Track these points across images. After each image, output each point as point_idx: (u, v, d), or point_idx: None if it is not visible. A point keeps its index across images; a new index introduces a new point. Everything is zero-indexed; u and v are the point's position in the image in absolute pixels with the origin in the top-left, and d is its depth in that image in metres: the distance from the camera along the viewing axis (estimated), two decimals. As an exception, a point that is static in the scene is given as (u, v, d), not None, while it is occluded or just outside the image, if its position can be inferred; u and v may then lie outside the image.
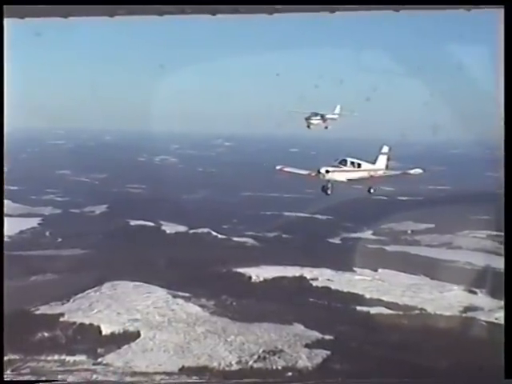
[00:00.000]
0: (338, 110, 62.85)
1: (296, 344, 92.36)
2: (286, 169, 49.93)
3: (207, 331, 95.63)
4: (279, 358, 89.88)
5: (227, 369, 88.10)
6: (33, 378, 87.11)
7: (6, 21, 15.02)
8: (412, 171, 46.65)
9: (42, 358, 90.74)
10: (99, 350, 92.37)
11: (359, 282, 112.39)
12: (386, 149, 48.15)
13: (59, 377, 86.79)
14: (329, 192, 45.80)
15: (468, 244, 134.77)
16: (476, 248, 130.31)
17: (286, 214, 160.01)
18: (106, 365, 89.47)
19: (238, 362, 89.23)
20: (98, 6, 14.15)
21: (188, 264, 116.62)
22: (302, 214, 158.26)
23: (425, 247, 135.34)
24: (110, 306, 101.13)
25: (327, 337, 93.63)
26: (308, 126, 59.51)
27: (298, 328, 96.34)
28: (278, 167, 50.18)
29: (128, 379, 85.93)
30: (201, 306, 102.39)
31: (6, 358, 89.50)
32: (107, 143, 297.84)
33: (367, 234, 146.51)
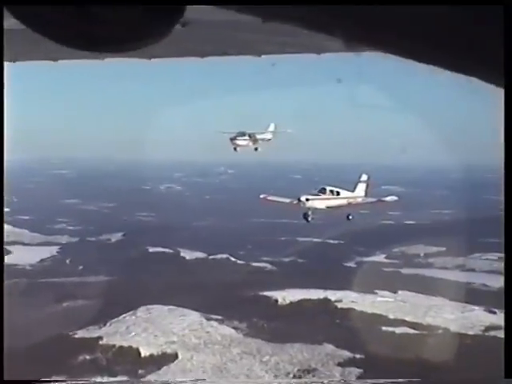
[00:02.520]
0: (271, 129, 59.90)
1: (329, 363, 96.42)
2: (269, 197, 53.13)
3: (242, 352, 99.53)
4: (314, 376, 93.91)
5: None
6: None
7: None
8: (388, 198, 50.23)
9: (85, 379, 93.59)
10: (140, 371, 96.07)
11: (382, 303, 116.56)
12: (364, 177, 50.92)
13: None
14: (309, 219, 48.26)
15: (481, 266, 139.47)
16: (489, 270, 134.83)
17: (299, 239, 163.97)
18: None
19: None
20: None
21: (215, 288, 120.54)
22: (314, 239, 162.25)
23: (439, 269, 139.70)
24: (147, 329, 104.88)
25: (358, 355, 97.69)
26: (234, 149, 56.95)
27: (329, 348, 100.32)
28: (261, 196, 53.65)
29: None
30: (234, 327, 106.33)
31: (51, 380, 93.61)
32: (110, 172, 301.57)
33: (381, 258, 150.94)
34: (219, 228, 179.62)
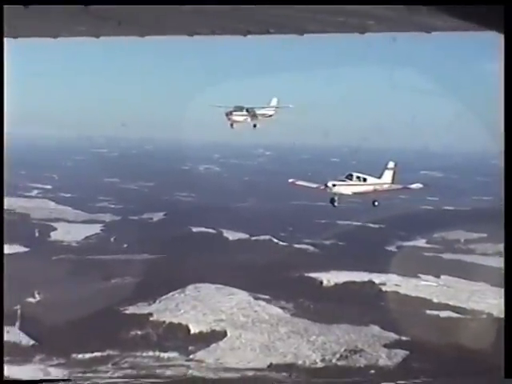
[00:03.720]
0: (274, 103, 54.98)
1: (375, 344, 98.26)
2: (297, 182, 53.64)
3: (290, 331, 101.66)
4: (360, 356, 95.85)
5: (312, 366, 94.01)
6: (134, 372, 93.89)
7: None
8: (413, 186, 50.80)
9: (138, 353, 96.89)
10: (190, 348, 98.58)
11: (425, 287, 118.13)
12: (391, 164, 51.25)
13: (157, 371, 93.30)
14: (335, 204, 48.93)
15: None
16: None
17: (339, 222, 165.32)
18: (198, 361, 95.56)
19: (322, 360, 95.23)
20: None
21: (260, 269, 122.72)
22: (354, 223, 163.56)
23: (480, 256, 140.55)
24: (196, 307, 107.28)
25: (404, 338, 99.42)
26: (231, 125, 51.41)
27: (375, 329, 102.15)
28: (290, 180, 54.04)
29: (221, 374, 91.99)
30: (281, 307, 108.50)
31: (105, 354, 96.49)
32: (149, 152, 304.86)
33: (421, 243, 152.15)
34: (259, 210, 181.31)
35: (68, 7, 11.38)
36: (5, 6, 11.08)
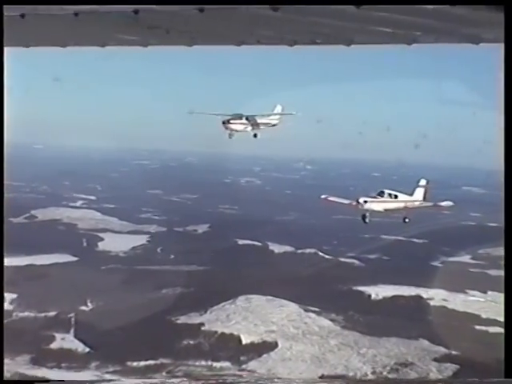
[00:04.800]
0: (278, 111, 51.08)
1: (425, 358, 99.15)
2: (330, 198, 54.19)
3: (340, 343, 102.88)
4: (411, 370, 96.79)
5: (363, 378, 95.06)
6: (187, 380, 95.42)
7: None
8: (443, 203, 51.51)
9: (191, 362, 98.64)
10: (242, 358, 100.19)
11: (473, 302, 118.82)
12: (423, 182, 51.85)
13: (210, 382, 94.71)
14: (367, 220, 49.66)
15: None
16: None
17: (383, 237, 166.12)
18: (250, 371, 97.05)
19: (373, 373, 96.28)
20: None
21: (308, 281, 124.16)
22: (398, 238, 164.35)
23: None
24: (247, 317, 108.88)
25: (454, 352, 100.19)
26: (229, 135, 47.39)
27: (424, 343, 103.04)
28: (322, 196, 54.35)
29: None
30: (331, 320, 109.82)
31: (158, 362, 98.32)
32: (190, 164, 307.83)
33: (466, 258, 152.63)
34: (302, 223, 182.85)
35: (117, 16, 11.57)
36: (56, 15, 11.45)
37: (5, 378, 17.88)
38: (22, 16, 11.57)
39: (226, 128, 47.17)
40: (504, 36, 10.49)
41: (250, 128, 48.83)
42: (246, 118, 48.19)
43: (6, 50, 13.52)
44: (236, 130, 47.77)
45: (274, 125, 51.45)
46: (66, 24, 11.95)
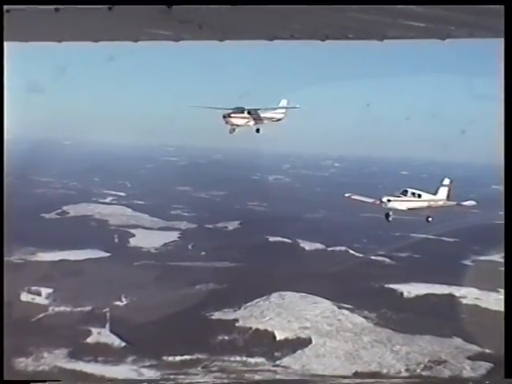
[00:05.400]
0: (283, 105, 49.27)
1: (459, 355, 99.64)
2: (353, 196, 54.66)
3: (374, 340, 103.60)
4: (444, 367, 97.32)
5: (397, 375, 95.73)
6: (223, 376, 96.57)
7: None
8: (466, 203, 51.83)
9: (226, 358, 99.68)
10: (276, 354, 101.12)
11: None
12: (446, 181, 52.18)
13: (245, 376, 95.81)
14: (390, 219, 50.20)
15: None
16: None
17: (412, 235, 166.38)
18: (284, 367, 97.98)
19: (407, 370, 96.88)
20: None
21: (340, 279, 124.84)
22: (429, 236, 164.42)
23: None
24: (281, 314, 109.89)
25: (487, 350, 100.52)
26: (230, 130, 45.72)
27: (458, 341, 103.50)
28: (346, 195, 54.85)
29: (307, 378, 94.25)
30: (364, 317, 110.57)
31: (194, 357, 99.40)
32: (218, 161, 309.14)
33: (497, 257, 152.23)
34: (332, 220, 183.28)
35: (150, 10, 11.50)
36: (90, 9, 11.37)
37: (5, 378, 18.21)
38: (56, 10, 11.52)
39: (227, 122, 45.23)
40: (504, 36, 10.56)
41: (252, 122, 46.61)
42: (248, 112, 46.06)
43: (37, 45, 14.28)
44: (237, 125, 45.68)
45: (278, 119, 49.07)
46: (100, 18, 11.94)
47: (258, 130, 46.57)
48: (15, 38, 13.42)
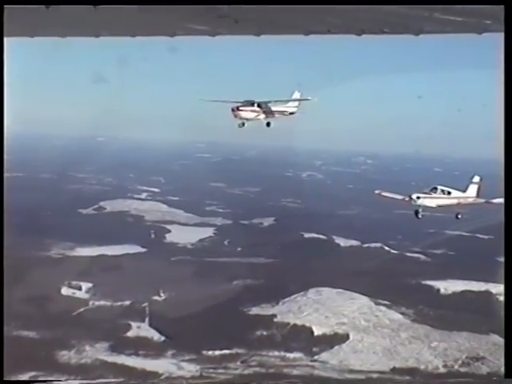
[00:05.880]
0: (296, 97, 46.90)
1: (497, 352, 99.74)
2: (383, 193, 55.02)
3: (411, 337, 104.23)
4: (482, 364, 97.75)
5: (435, 372, 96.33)
6: (262, 370, 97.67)
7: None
8: (495, 200, 51.99)
9: (264, 353, 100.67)
10: (314, 349, 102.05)
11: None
12: (476, 178, 52.42)
13: (284, 370, 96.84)
14: (419, 216, 50.46)
15: None
16: None
17: (447, 232, 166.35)
18: (322, 362, 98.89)
19: (444, 366, 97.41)
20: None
21: (377, 275, 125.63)
22: (462, 233, 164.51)
23: None
24: (318, 309, 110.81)
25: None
26: (240, 124, 43.77)
27: (496, 338, 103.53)
28: (376, 191, 55.17)
29: (347, 375, 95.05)
30: (401, 313, 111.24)
31: (233, 351, 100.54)
32: (251, 158, 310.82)
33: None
34: (366, 217, 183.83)
35: (188, 6, 11.56)
36: (128, 5, 11.55)
37: (5, 378, 18.42)
38: (95, 6, 11.69)
39: (236, 116, 43.35)
40: (504, 35, 10.65)
41: (262, 116, 44.75)
42: (258, 105, 44.12)
43: (77, 40, 14.49)
44: (246, 118, 43.83)
45: (291, 113, 46.92)
46: (137, 14, 12.03)
47: (268, 124, 45.15)
48: (56, 34, 13.98)
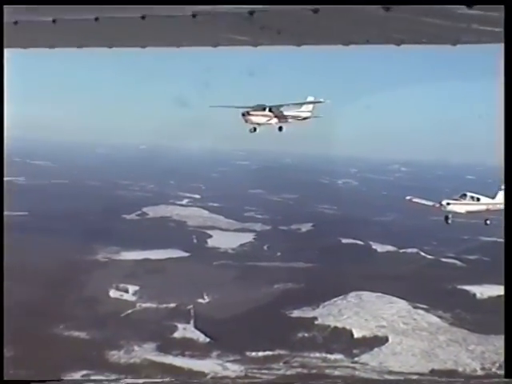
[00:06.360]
0: (310, 105, 45.29)
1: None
2: (414, 199, 56.92)
3: (449, 340, 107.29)
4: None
5: (473, 374, 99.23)
6: (304, 371, 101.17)
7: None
8: None
9: (306, 354, 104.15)
10: (354, 351, 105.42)
11: None
12: None
13: (325, 371, 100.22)
14: (449, 221, 51.87)
15: None
16: None
17: (481, 238, 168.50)
18: (362, 364, 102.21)
19: (482, 369, 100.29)
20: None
21: (413, 280, 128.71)
22: (497, 239, 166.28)
23: None
24: (358, 313, 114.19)
25: None
26: (251, 129, 42.37)
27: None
28: (407, 197, 56.99)
29: (386, 376, 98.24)
30: (439, 317, 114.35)
31: (276, 353, 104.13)
32: (288, 165, 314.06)
33: None
34: (400, 223, 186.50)
35: (232, 17, 11.67)
36: (175, 16, 11.70)
37: (5, 378, 18.51)
38: (143, 18, 11.93)
39: (246, 121, 41.95)
40: (504, 36, 10.61)
41: (274, 121, 43.26)
42: (270, 110, 42.65)
43: (124, 51, 14.71)
44: (258, 123, 42.40)
45: (305, 118, 45.56)
46: (183, 24, 12.24)
47: (280, 129, 43.95)
48: (105, 44, 14.34)
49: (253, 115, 41.83)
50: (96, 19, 12.23)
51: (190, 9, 11.70)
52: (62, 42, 14.90)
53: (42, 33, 13.67)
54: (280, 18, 11.83)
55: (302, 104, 45.27)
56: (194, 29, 12.77)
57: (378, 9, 10.64)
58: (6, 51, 13.47)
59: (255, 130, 42.18)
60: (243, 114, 41.80)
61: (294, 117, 44.50)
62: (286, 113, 43.96)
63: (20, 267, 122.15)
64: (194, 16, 11.77)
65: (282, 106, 43.63)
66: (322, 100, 45.26)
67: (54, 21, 12.55)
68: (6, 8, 11.71)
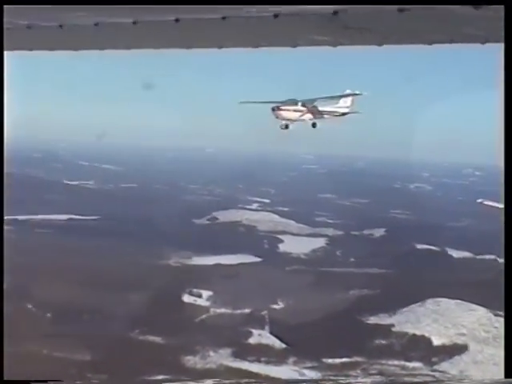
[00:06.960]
0: (348, 97, 42.12)
1: None
2: (485, 202, 55.34)
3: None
4: None
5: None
6: (382, 378, 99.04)
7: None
8: None
9: (383, 361, 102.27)
10: (433, 359, 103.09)
11: None
12: None
13: (405, 379, 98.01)
14: None
15: None
16: None
17: None
18: (442, 372, 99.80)
19: None
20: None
21: (493, 287, 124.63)
22: None
23: None
24: (437, 320, 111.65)
25: None
26: (283, 126, 39.44)
27: None
28: (478, 200, 55.43)
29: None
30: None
31: (353, 360, 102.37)
32: (359, 169, 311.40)
33: None
34: (476, 229, 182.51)
35: (314, 17, 11.47)
36: (256, 16, 11.45)
37: (5, 378, 18.40)
38: (223, 18, 11.73)
39: (277, 116, 39.44)
40: (504, 36, 10.49)
41: (308, 116, 40.52)
42: (303, 104, 39.92)
43: (201, 51, 14.44)
44: (289, 119, 39.82)
45: (343, 114, 42.78)
46: (263, 25, 12.03)
47: (314, 125, 41.17)
48: (183, 46, 14.04)
49: (283, 110, 39.60)
50: (176, 20, 11.77)
51: (272, 9, 11.34)
52: (141, 44, 14.33)
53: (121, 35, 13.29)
54: (364, 18, 11.46)
55: (339, 98, 42.69)
56: (274, 29, 12.35)
57: (464, 8, 10.21)
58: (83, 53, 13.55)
59: (287, 127, 39.99)
60: (273, 109, 39.63)
61: (330, 112, 42.19)
62: (320, 108, 41.60)
63: (96, 271, 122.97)
64: (275, 16, 11.43)
65: (315, 100, 41.07)
66: (358, 92, 42.73)
67: (134, 22, 11.94)
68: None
